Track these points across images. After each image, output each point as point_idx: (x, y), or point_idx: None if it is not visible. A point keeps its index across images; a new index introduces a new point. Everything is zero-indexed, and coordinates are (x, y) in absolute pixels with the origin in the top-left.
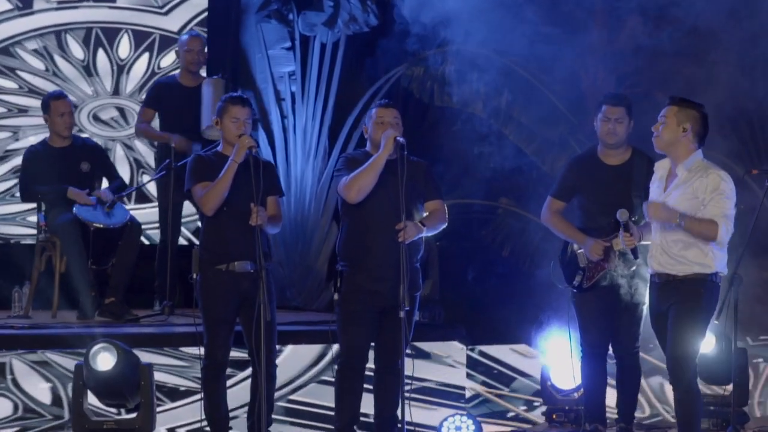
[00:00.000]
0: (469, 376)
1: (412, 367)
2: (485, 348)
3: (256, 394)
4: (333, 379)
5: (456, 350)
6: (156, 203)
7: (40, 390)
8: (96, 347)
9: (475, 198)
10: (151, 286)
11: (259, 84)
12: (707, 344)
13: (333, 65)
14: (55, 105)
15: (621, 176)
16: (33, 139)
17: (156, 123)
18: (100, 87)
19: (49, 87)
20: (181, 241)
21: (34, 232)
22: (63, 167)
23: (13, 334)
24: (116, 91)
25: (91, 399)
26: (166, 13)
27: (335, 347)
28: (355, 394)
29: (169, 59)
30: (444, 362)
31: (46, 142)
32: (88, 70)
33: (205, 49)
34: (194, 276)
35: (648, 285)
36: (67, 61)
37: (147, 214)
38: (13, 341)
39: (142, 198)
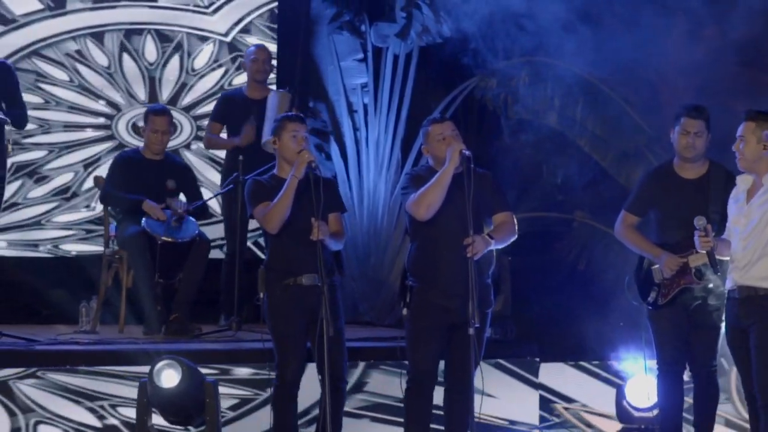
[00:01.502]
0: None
1: (482, 385)
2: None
3: (322, 412)
4: (362, 412)
5: (528, 369)
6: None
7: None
8: (160, 364)
9: (549, 211)
10: (218, 301)
11: (331, 96)
12: None
13: (406, 77)
14: (153, 119)
15: (698, 190)
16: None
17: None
18: (132, 94)
19: (71, 96)
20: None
21: (66, 233)
22: (149, 180)
23: (78, 350)
24: (153, 100)
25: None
26: (213, 13)
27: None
28: (425, 413)
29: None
30: (515, 381)
31: (139, 151)
32: (120, 75)
33: (272, 60)
34: (261, 296)
35: (726, 301)
36: (91, 69)
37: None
38: (77, 357)
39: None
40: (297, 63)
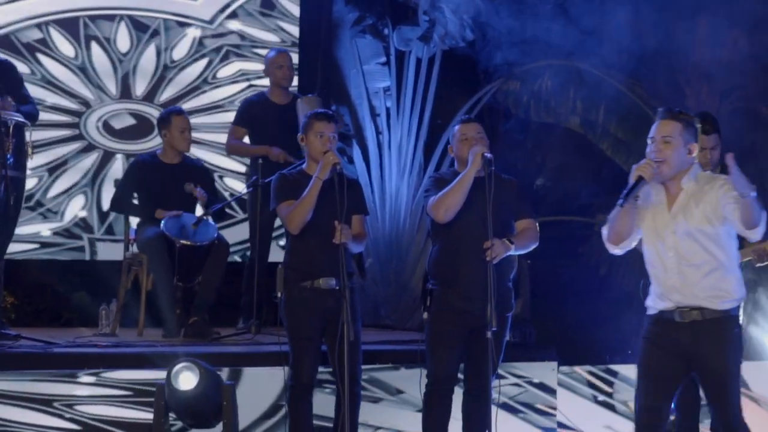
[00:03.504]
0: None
1: (499, 389)
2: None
3: (338, 416)
4: None
5: (548, 373)
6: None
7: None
8: (178, 366)
9: (571, 215)
10: (236, 304)
11: (353, 99)
12: None
13: (428, 80)
14: (177, 120)
15: None
16: None
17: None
18: (104, 90)
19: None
20: (274, 258)
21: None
22: (167, 184)
23: (96, 352)
24: (126, 95)
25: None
26: None
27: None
28: (443, 417)
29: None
30: (535, 385)
31: (156, 155)
32: (84, 68)
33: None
34: (278, 295)
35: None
36: (56, 60)
37: (235, 231)
38: (96, 360)
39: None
40: (319, 66)
